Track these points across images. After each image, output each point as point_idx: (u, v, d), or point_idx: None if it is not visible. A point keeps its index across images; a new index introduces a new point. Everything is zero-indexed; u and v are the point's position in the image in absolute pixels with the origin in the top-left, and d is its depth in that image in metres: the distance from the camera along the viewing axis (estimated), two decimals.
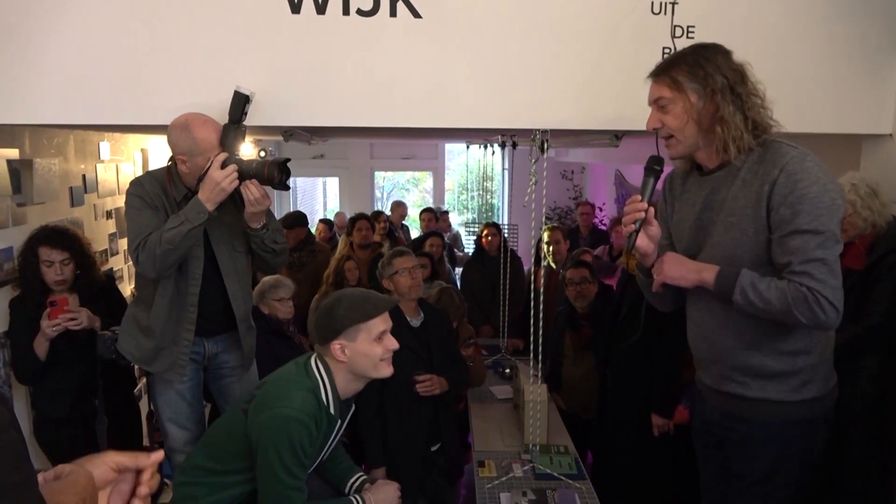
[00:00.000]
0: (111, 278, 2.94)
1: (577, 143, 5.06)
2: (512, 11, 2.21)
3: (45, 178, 2.88)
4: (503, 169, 8.69)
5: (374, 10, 2.16)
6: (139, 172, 3.81)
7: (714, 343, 1.77)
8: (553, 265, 4.18)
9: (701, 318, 1.81)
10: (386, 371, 1.94)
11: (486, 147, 5.35)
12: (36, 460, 2.57)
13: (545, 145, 2.37)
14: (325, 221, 6.63)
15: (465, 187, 8.79)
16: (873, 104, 2.37)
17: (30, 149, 2.80)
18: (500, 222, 6.22)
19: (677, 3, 2.23)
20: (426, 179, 12.42)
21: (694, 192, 1.78)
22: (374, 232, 5.35)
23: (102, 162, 3.59)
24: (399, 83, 2.22)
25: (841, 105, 2.36)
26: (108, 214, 3.69)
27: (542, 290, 2.48)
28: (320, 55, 2.17)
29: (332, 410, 1.89)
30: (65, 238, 2.51)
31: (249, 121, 2.11)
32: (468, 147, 6.82)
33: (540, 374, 2.65)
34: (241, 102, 2.05)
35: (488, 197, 7.66)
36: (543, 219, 2.55)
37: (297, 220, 4.75)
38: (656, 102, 1.70)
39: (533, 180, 2.50)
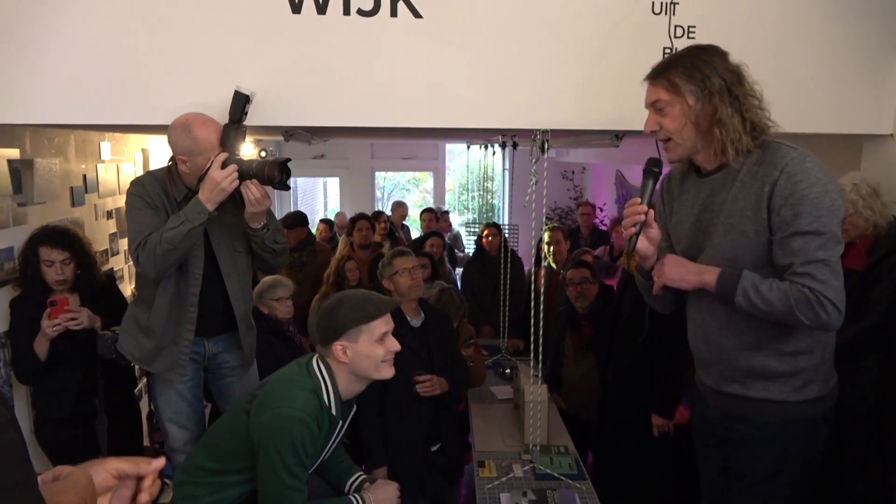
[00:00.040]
0: (112, 278, 2.95)
1: (578, 143, 5.06)
2: (513, 11, 2.21)
3: (45, 178, 2.88)
4: (504, 169, 8.70)
5: (375, 10, 2.16)
6: (140, 172, 3.81)
7: (715, 344, 1.77)
8: (553, 265, 4.18)
9: (702, 319, 1.80)
10: (387, 372, 1.94)
11: (486, 147, 5.35)
12: (36, 460, 2.57)
13: (545, 145, 2.37)
14: (325, 221, 6.64)
15: (466, 187, 8.80)
16: (874, 104, 2.37)
17: (30, 149, 2.81)
18: (501, 222, 6.22)
19: (678, 4, 2.22)
20: (427, 180, 12.42)
21: (692, 193, 1.78)
22: (374, 232, 5.35)
23: (103, 162, 3.59)
24: (399, 83, 2.22)
25: (841, 105, 2.36)
26: (109, 214, 3.69)
27: (542, 290, 2.48)
28: (321, 55, 2.18)
29: (333, 411, 1.90)
30: (65, 238, 2.51)
31: (250, 121, 2.11)
32: (469, 147, 6.83)
33: (540, 375, 2.65)
34: (241, 102, 2.05)
35: (489, 197, 7.65)
36: (544, 219, 2.55)
37: (298, 220, 4.75)
38: (653, 105, 1.69)
39: (533, 180, 2.50)
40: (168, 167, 2.16)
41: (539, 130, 2.32)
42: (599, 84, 2.26)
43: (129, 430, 2.84)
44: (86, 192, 3.36)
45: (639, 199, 1.68)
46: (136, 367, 2.75)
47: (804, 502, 1.81)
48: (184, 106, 2.09)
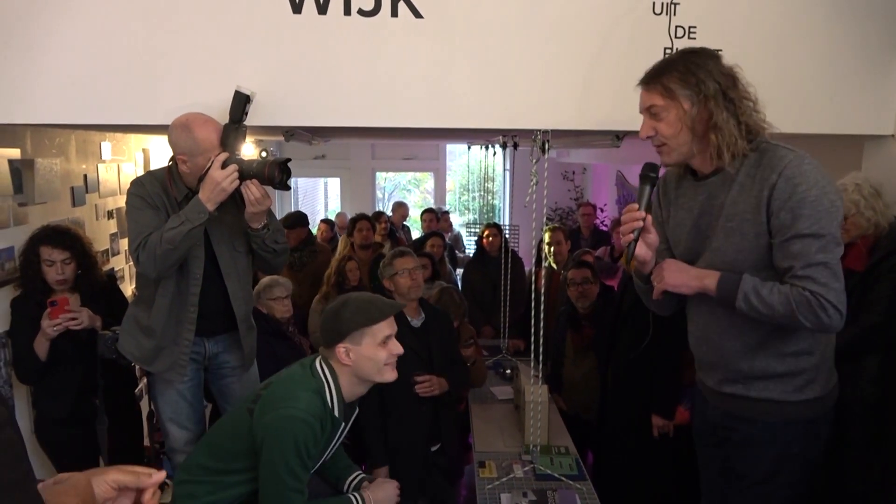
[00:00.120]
0: (112, 278, 2.95)
1: (579, 143, 5.07)
2: (514, 12, 2.21)
3: (46, 178, 2.88)
4: (504, 170, 8.72)
5: (376, 10, 2.16)
6: (140, 172, 3.81)
7: (717, 345, 1.77)
8: (554, 266, 4.18)
9: (703, 321, 1.80)
10: (390, 375, 1.95)
11: (487, 148, 5.36)
12: (36, 460, 2.57)
13: (546, 146, 2.37)
14: (326, 221, 6.64)
15: (467, 188, 8.81)
16: (874, 105, 2.37)
17: (31, 149, 2.81)
18: (502, 223, 6.23)
19: (678, 4, 2.23)
20: (427, 180, 12.43)
21: (690, 196, 1.77)
22: (374, 232, 5.35)
23: (104, 162, 3.59)
24: (400, 83, 2.22)
25: (842, 106, 2.36)
26: (110, 214, 3.69)
27: (543, 290, 2.48)
28: (321, 55, 2.18)
29: (336, 413, 1.90)
30: (66, 238, 2.51)
31: (250, 121, 2.11)
32: (469, 148, 6.84)
33: (541, 375, 2.65)
34: (241, 102, 2.05)
35: (489, 198, 7.66)
36: (544, 219, 2.55)
37: (298, 220, 4.75)
38: (648, 110, 1.68)
39: (534, 181, 2.50)
40: (168, 167, 2.16)
41: (539, 131, 2.32)
42: (600, 84, 2.26)
43: (130, 431, 2.84)
44: (86, 191, 3.37)
45: (636, 206, 1.67)
46: (137, 367, 2.75)
47: (804, 502, 1.80)
48: (184, 106, 2.09)
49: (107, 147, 3.61)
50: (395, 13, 2.17)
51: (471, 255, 5.45)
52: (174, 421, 2.32)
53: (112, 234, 3.71)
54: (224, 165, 2.00)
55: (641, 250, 1.70)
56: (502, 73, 2.24)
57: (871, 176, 2.35)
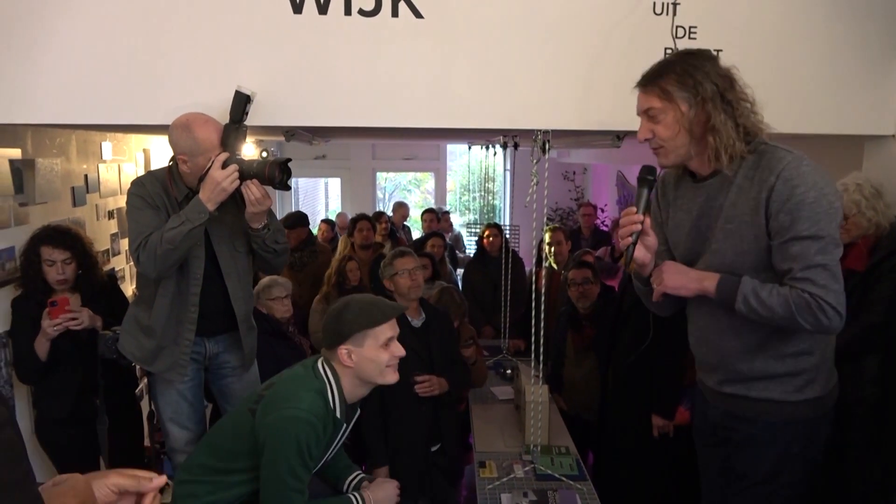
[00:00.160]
0: (113, 278, 2.95)
1: (579, 143, 5.06)
2: (514, 12, 2.21)
3: (47, 178, 2.88)
4: (505, 170, 8.71)
5: (376, 11, 2.16)
6: (141, 172, 3.81)
7: (717, 346, 1.77)
8: (555, 266, 4.18)
9: (703, 321, 1.80)
10: (392, 377, 1.94)
11: (487, 148, 5.35)
12: (37, 460, 2.57)
13: (546, 146, 2.37)
14: (327, 222, 6.64)
15: (467, 188, 8.81)
16: (875, 105, 2.37)
17: (32, 149, 2.81)
18: (502, 223, 6.22)
19: (679, 4, 2.22)
20: (428, 180, 12.42)
21: (688, 198, 1.77)
22: (375, 233, 5.35)
23: (104, 162, 3.60)
24: (400, 83, 2.22)
25: (842, 106, 2.36)
26: (110, 214, 3.69)
27: (543, 290, 2.49)
28: (322, 55, 2.18)
29: (338, 414, 1.90)
30: (67, 238, 2.51)
31: (251, 121, 2.11)
32: (470, 148, 6.84)
33: (541, 375, 2.65)
34: (242, 102, 2.05)
35: (490, 198, 7.67)
36: (545, 220, 2.55)
37: (299, 220, 4.75)
38: (646, 113, 1.67)
39: (534, 181, 2.50)
40: (169, 167, 2.16)
41: (540, 131, 2.32)
42: (600, 84, 2.26)
43: (130, 431, 2.84)
44: (87, 192, 3.37)
45: (634, 209, 1.67)
46: (137, 367, 2.75)
47: (804, 502, 1.80)
48: (184, 106, 2.09)
49: (107, 147, 3.61)
50: (395, 13, 2.17)
51: (471, 255, 5.45)
52: (175, 421, 2.32)
53: (113, 234, 3.72)
54: (224, 165, 2.00)
55: (640, 253, 1.70)
56: (503, 73, 2.24)
57: (871, 176, 2.35)
